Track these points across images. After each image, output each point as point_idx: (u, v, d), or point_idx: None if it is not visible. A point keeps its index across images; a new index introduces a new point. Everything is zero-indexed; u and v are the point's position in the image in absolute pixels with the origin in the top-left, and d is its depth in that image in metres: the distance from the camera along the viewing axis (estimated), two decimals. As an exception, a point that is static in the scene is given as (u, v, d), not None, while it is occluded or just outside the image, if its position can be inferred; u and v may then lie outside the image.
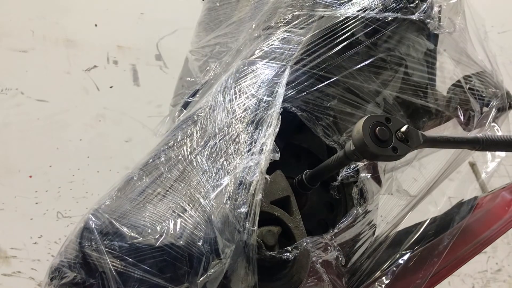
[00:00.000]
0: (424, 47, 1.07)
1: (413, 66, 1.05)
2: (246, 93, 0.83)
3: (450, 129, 1.12)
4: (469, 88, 1.07)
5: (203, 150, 0.77)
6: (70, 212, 1.72)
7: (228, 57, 1.06)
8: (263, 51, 0.91)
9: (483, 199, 0.87)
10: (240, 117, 0.79)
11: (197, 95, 1.01)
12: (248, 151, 0.74)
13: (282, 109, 0.80)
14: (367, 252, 0.85)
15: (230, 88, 0.86)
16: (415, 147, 0.65)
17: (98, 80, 2.10)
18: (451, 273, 0.82)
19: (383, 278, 0.77)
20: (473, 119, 1.05)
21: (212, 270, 0.63)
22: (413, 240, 0.83)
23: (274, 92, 0.82)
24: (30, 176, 1.78)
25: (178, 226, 0.67)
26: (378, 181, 0.96)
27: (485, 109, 1.05)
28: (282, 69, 0.86)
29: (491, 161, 0.98)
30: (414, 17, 0.99)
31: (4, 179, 1.75)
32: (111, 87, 2.10)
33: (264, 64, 0.88)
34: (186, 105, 1.04)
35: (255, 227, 0.65)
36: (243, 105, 0.81)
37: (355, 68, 0.93)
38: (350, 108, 0.92)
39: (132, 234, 0.67)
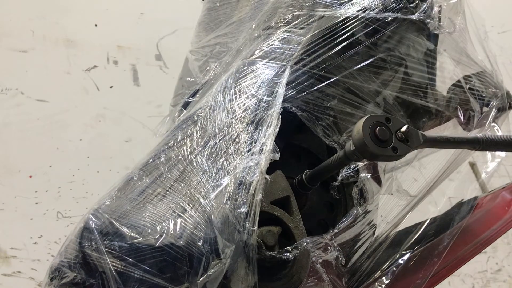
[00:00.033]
0: (424, 47, 1.07)
1: (413, 66, 1.05)
2: (246, 93, 0.83)
3: (450, 129, 1.12)
4: (469, 88, 1.07)
5: (203, 150, 0.77)
6: (70, 212, 1.72)
7: (228, 57, 1.06)
8: (263, 51, 0.91)
9: (483, 199, 0.87)
10: (240, 117, 0.79)
11: (197, 95, 1.01)
12: (248, 151, 0.74)
13: (282, 109, 0.80)
14: (367, 252, 0.85)
15: (230, 88, 0.86)
16: (415, 147, 0.65)
17: (98, 80, 2.10)
18: (451, 273, 0.82)
19: (383, 278, 0.77)
20: (473, 119, 1.05)
21: (212, 270, 0.63)
22: (413, 240, 0.83)
23: (274, 92, 0.82)
24: (30, 176, 1.78)
25: (178, 226, 0.67)
26: (378, 181, 0.96)
27: (485, 109, 1.05)
28: (282, 69, 0.86)
29: (491, 161, 0.98)
30: (414, 17, 0.99)
31: (4, 179, 1.75)
32: (111, 87, 2.10)
33: (264, 64, 0.88)
34: (186, 105, 1.04)
35: (255, 227, 0.65)
36: (243, 105, 0.81)
37: (355, 68, 0.93)
38: (350, 108, 0.92)
39: (132, 234, 0.67)
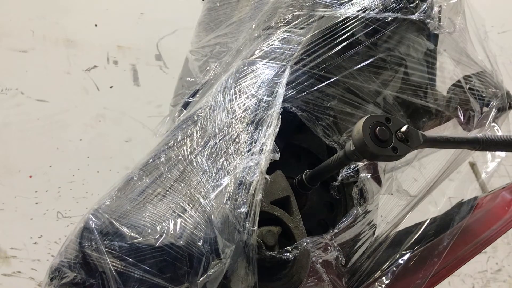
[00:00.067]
0: (424, 47, 1.07)
1: (413, 66, 1.05)
2: (246, 93, 0.83)
3: (450, 129, 1.12)
4: (469, 88, 1.06)
5: (203, 150, 0.77)
6: (70, 212, 1.72)
7: (228, 57, 1.06)
8: (263, 51, 0.91)
9: (483, 199, 0.87)
10: (240, 117, 0.79)
11: (197, 95, 1.01)
12: (248, 151, 0.74)
13: (282, 109, 0.80)
14: (367, 252, 0.85)
15: (230, 88, 0.86)
16: (415, 147, 0.65)
17: (98, 80, 2.10)
18: (451, 273, 0.82)
19: (383, 278, 0.77)
20: (473, 119, 1.05)
21: (212, 270, 0.63)
22: (413, 240, 0.83)
23: (274, 92, 0.82)
24: (30, 176, 1.78)
25: (178, 226, 0.67)
26: (378, 181, 0.96)
27: (485, 109, 1.05)
28: (282, 69, 0.86)
29: (491, 161, 0.97)
30: (414, 17, 0.99)
31: (4, 179, 1.75)
32: (111, 87, 2.10)
33: (264, 64, 0.88)
34: (186, 105, 1.04)
35: (255, 227, 0.65)
36: (243, 105, 0.81)
37: (355, 68, 0.93)
38: (350, 108, 0.92)
39: (132, 234, 0.67)
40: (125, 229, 0.68)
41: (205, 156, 0.76)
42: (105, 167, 1.85)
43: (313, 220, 0.89)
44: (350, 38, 0.92)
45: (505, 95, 1.07)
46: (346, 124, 0.90)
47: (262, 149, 0.73)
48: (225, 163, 0.73)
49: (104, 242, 0.68)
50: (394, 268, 0.78)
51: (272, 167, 0.73)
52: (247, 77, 0.87)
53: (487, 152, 0.97)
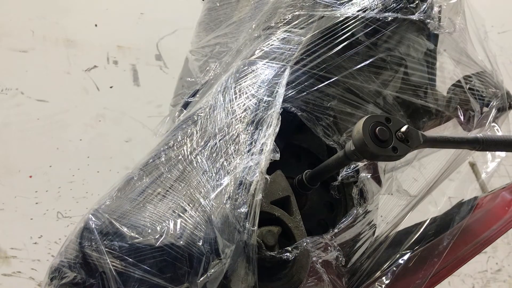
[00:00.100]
0: (424, 47, 1.07)
1: (413, 66, 1.05)
2: (246, 93, 0.83)
3: (450, 129, 1.12)
4: (469, 88, 1.06)
5: (203, 150, 0.77)
6: (70, 212, 1.72)
7: (228, 57, 1.06)
8: (263, 51, 0.91)
9: (483, 199, 0.87)
10: (240, 117, 0.79)
11: (197, 95, 1.01)
12: (248, 151, 0.74)
13: (282, 109, 0.80)
14: (367, 252, 0.85)
15: (230, 88, 0.86)
16: (415, 147, 0.65)
17: (98, 80, 2.10)
18: (451, 273, 0.82)
19: (383, 278, 0.77)
20: (473, 119, 1.05)
21: (212, 270, 0.63)
22: (413, 240, 0.83)
23: (274, 92, 0.82)
24: (30, 176, 1.78)
25: (178, 226, 0.67)
26: (378, 181, 0.96)
27: (485, 109, 1.05)
28: (282, 69, 0.86)
29: (491, 161, 0.97)
30: (414, 17, 0.99)
31: (4, 179, 1.75)
32: (111, 87, 2.10)
33: (264, 64, 0.88)
34: (186, 105, 1.04)
35: (255, 227, 0.65)
36: (243, 105, 0.81)
37: (355, 68, 0.93)
38: (350, 108, 0.92)
39: (132, 234, 0.67)
40: (125, 229, 0.68)
41: (205, 156, 0.76)
42: (105, 167, 1.85)
43: (313, 220, 0.89)
44: (350, 38, 0.92)
45: (505, 95, 1.07)
46: (346, 124, 0.90)
47: (262, 149, 0.73)
48: (225, 163, 0.73)
49: (104, 242, 0.68)
50: (394, 268, 0.78)
51: (272, 167, 0.73)
52: (247, 77, 0.87)
53: (487, 152, 0.97)
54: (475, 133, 0.91)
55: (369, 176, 0.86)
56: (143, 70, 2.19)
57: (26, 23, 2.20)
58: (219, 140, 0.77)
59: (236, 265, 0.64)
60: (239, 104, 0.82)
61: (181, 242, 0.65)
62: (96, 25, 2.29)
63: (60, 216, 1.71)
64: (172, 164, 0.77)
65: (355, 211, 0.82)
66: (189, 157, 0.77)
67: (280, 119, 0.77)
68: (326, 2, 0.96)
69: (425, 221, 0.86)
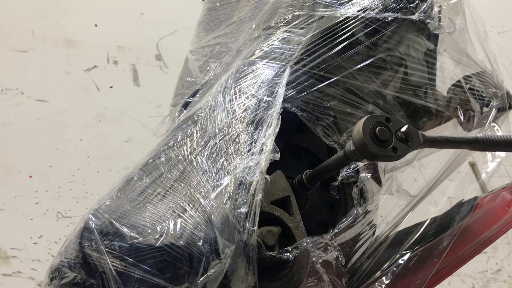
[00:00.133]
0: (424, 47, 1.07)
1: (413, 66, 1.05)
2: (246, 93, 0.83)
3: (450, 129, 1.12)
4: (469, 88, 1.06)
5: (203, 150, 0.77)
6: (70, 212, 1.72)
7: (228, 57, 1.06)
8: (263, 51, 0.91)
9: (483, 199, 0.87)
10: (240, 117, 0.79)
11: (197, 95, 1.01)
12: (248, 151, 0.74)
13: (282, 109, 0.80)
14: (367, 252, 0.85)
15: (230, 88, 0.86)
16: (415, 147, 0.65)
17: (98, 80, 2.10)
18: (451, 273, 0.82)
19: (383, 278, 0.77)
20: (473, 119, 1.05)
21: (212, 270, 0.63)
22: (413, 240, 0.83)
23: (274, 92, 0.82)
24: (30, 176, 1.78)
25: (178, 226, 0.67)
26: (378, 181, 0.96)
27: (485, 109, 1.05)
28: (282, 69, 0.86)
29: (491, 161, 0.97)
30: (414, 17, 0.99)
31: (4, 179, 1.75)
32: (111, 87, 2.10)
33: (264, 64, 0.88)
34: (186, 105, 1.04)
35: (255, 227, 0.65)
36: (243, 105, 0.81)
37: (355, 68, 0.93)
38: (350, 108, 0.92)
39: (132, 234, 0.67)
40: (125, 229, 0.68)
41: (205, 156, 0.76)
42: (105, 167, 1.85)
43: (313, 220, 0.89)
44: (350, 38, 0.92)
45: (505, 95, 1.07)
46: (346, 124, 0.90)
47: (262, 149, 0.73)
48: (225, 163, 0.73)
49: (104, 242, 0.67)
50: (394, 268, 0.78)
51: (272, 167, 0.73)
52: (247, 77, 0.87)
53: (487, 152, 0.97)
54: (475, 133, 0.91)
55: (369, 176, 0.86)
56: (143, 70, 2.19)
57: (26, 23, 2.20)
58: (219, 140, 0.77)
59: (236, 265, 0.64)
60: (239, 104, 0.82)
61: (181, 242, 0.65)
62: (96, 25, 2.29)
63: (60, 216, 1.71)
64: (172, 164, 0.77)
65: (355, 211, 0.82)
66: (189, 157, 0.77)
67: (280, 119, 0.77)
68: (326, 2, 0.96)
69: (425, 221, 0.86)
